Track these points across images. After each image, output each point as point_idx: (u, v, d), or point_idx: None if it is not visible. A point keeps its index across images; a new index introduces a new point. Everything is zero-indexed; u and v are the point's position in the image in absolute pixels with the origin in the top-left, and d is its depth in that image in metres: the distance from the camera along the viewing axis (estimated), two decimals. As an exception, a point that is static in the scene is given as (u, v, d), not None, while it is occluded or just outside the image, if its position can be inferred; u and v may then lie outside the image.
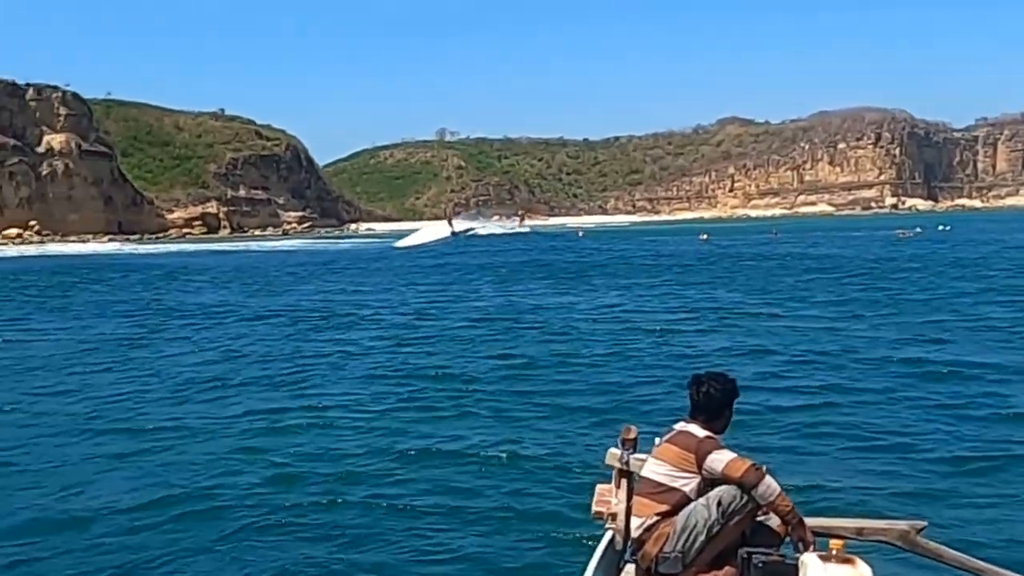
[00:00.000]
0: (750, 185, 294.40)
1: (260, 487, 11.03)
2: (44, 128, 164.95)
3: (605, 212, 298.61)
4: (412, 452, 12.33)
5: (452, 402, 15.64)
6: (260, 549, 9.11)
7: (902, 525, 5.57)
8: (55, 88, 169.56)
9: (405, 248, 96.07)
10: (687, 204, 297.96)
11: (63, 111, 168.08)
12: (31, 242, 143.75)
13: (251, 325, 29.44)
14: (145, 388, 18.24)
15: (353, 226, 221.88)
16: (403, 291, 41.95)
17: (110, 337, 27.08)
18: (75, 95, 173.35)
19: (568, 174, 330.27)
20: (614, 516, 5.67)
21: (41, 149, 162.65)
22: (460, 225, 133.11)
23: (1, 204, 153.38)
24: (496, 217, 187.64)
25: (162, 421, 14.84)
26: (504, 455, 11.90)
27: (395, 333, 25.76)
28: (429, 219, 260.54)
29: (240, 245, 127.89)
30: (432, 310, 32.28)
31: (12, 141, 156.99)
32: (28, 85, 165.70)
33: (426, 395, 16.41)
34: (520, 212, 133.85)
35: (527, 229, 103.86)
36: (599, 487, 5.88)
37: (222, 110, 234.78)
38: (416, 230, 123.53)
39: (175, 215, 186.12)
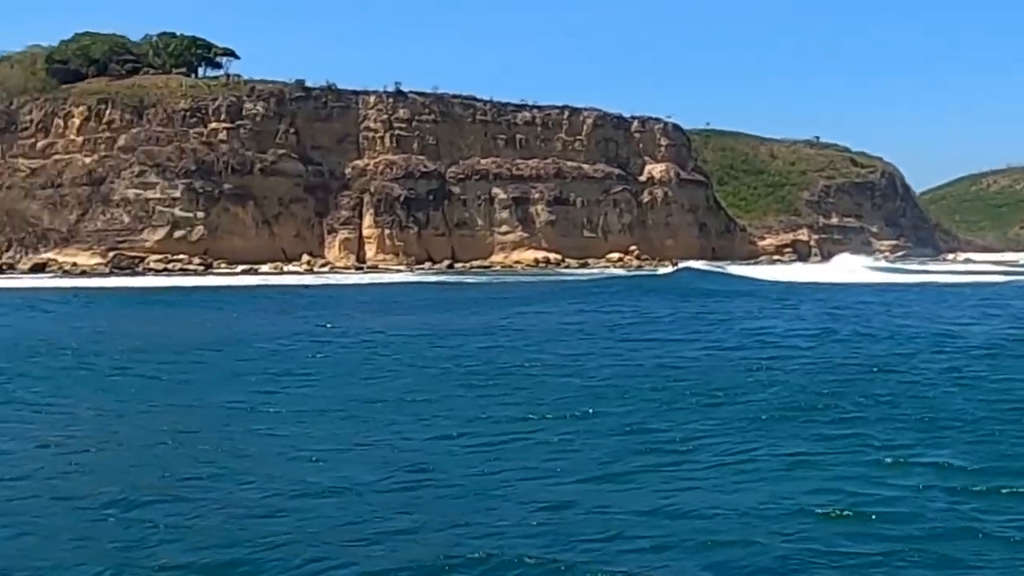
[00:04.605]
0: None
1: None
2: (646, 158, 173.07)
3: None
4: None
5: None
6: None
7: None
8: (657, 120, 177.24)
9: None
10: None
11: (664, 141, 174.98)
12: (630, 267, 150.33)
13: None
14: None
15: (950, 256, 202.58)
16: None
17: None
18: (675, 126, 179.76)
19: None
20: None
21: (643, 178, 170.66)
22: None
23: (606, 230, 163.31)
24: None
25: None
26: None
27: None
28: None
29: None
30: None
31: (617, 171, 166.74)
32: (633, 117, 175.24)
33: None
34: None
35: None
36: None
37: (817, 138, 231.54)
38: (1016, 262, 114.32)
39: (766, 242, 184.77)
